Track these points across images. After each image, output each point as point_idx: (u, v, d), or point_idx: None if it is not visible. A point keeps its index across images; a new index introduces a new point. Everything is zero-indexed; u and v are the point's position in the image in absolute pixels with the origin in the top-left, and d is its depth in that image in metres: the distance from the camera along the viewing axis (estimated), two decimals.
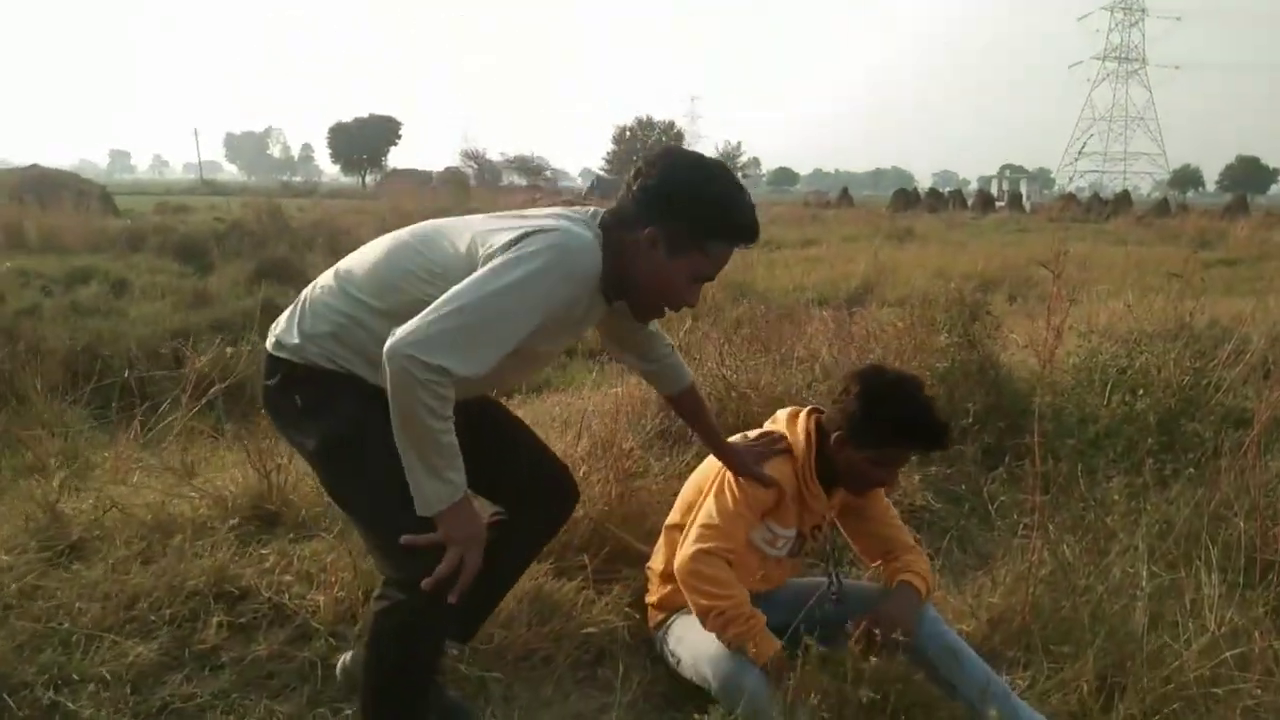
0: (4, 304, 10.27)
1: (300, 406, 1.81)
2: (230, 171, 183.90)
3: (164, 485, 2.89)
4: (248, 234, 17.07)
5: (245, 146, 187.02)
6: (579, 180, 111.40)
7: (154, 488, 2.88)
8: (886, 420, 2.25)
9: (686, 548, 2.27)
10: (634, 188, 1.85)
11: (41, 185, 22.94)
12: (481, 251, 1.76)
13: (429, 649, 1.83)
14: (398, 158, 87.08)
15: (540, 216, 1.85)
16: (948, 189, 59.84)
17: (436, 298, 1.66)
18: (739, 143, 74.76)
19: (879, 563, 2.53)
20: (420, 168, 55.43)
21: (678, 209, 1.81)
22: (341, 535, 2.57)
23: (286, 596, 2.38)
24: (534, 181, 55.98)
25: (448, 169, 54.57)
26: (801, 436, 2.40)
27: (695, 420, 2.43)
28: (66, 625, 2.18)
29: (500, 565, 2.05)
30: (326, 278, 1.93)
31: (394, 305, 1.76)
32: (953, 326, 4.52)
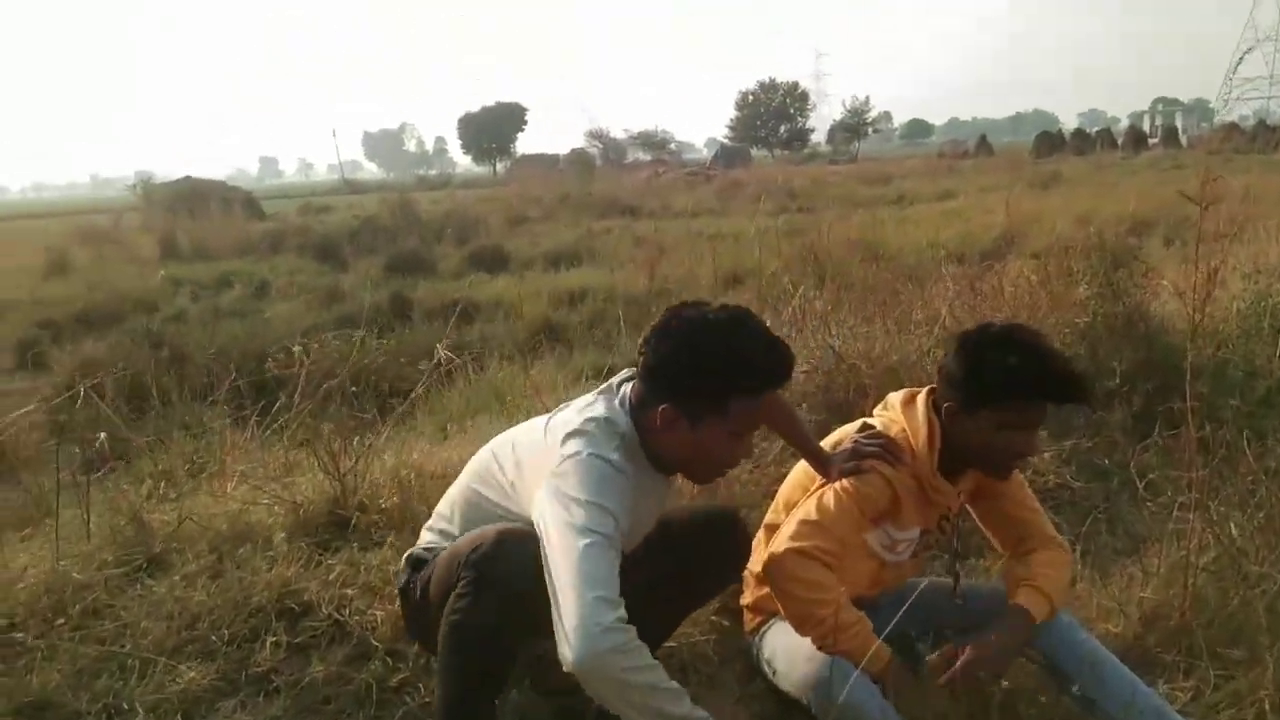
0: (156, 312, 10.93)
1: None
2: (370, 169, 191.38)
3: (241, 494, 2.84)
4: (380, 229, 17.61)
5: (382, 144, 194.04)
6: (704, 150, 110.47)
7: (234, 497, 2.84)
8: (998, 371, 1.93)
9: (777, 544, 2.00)
10: (639, 367, 1.85)
11: (193, 196, 24.40)
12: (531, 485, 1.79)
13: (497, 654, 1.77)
14: (526, 143, 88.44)
15: (572, 419, 1.84)
16: (1095, 129, 56.04)
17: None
18: (866, 97, 72.33)
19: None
20: (548, 151, 56.10)
21: (681, 382, 1.78)
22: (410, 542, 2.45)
23: (347, 612, 2.28)
24: (658, 156, 55.75)
25: (573, 150, 55.03)
26: (922, 424, 2.08)
27: (785, 426, 2.24)
28: (127, 648, 2.15)
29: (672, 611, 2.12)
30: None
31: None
32: (1093, 276, 4.05)
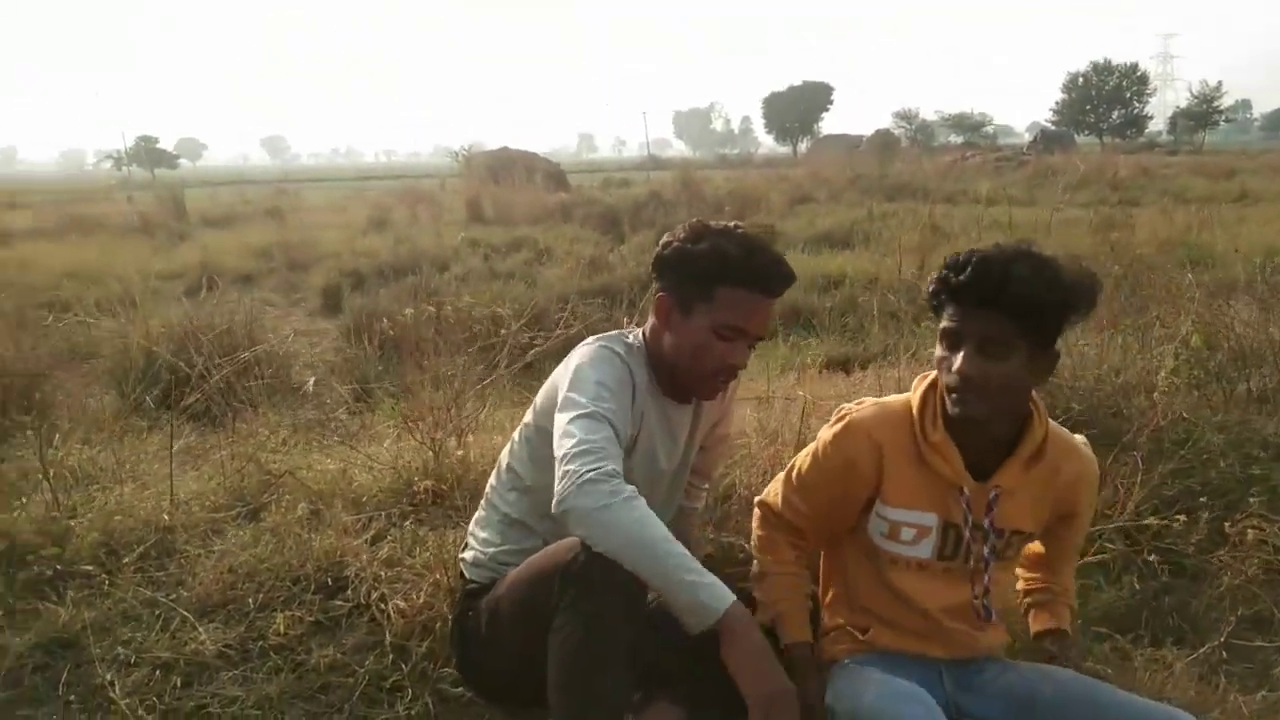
0: (446, 270, 11.76)
1: None
2: (678, 147, 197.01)
3: (342, 454, 2.82)
4: (663, 204, 17.90)
5: (691, 123, 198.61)
6: (1025, 135, 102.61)
7: (334, 455, 2.83)
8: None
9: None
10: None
11: (508, 165, 26.20)
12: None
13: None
14: (830, 124, 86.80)
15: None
16: None
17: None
18: (1219, 83, 63.20)
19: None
20: (851, 132, 54.70)
21: (676, 267, 1.87)
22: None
23: (374, 597, 2.16)
24: (970, 139, 52.48)
25: (877, 131, 53.14)
26: (919, 385, 1.77)
27: None
28: (171, 598, 2.17)
29: None
30: None
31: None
32: None
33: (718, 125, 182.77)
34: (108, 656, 2.00)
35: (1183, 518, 2.41)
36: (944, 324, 1.64)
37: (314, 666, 2.00)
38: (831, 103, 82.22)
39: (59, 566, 2.25)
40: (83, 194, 30.46)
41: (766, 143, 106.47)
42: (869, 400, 1.84)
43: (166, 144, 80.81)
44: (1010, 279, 1.54)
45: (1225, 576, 2.36)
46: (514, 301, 8.07)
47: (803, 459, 1.86)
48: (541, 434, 1.82)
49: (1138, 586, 2.37)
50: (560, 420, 1.71)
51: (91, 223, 18.07)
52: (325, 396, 4.17)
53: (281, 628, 2.07)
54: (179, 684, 1.95)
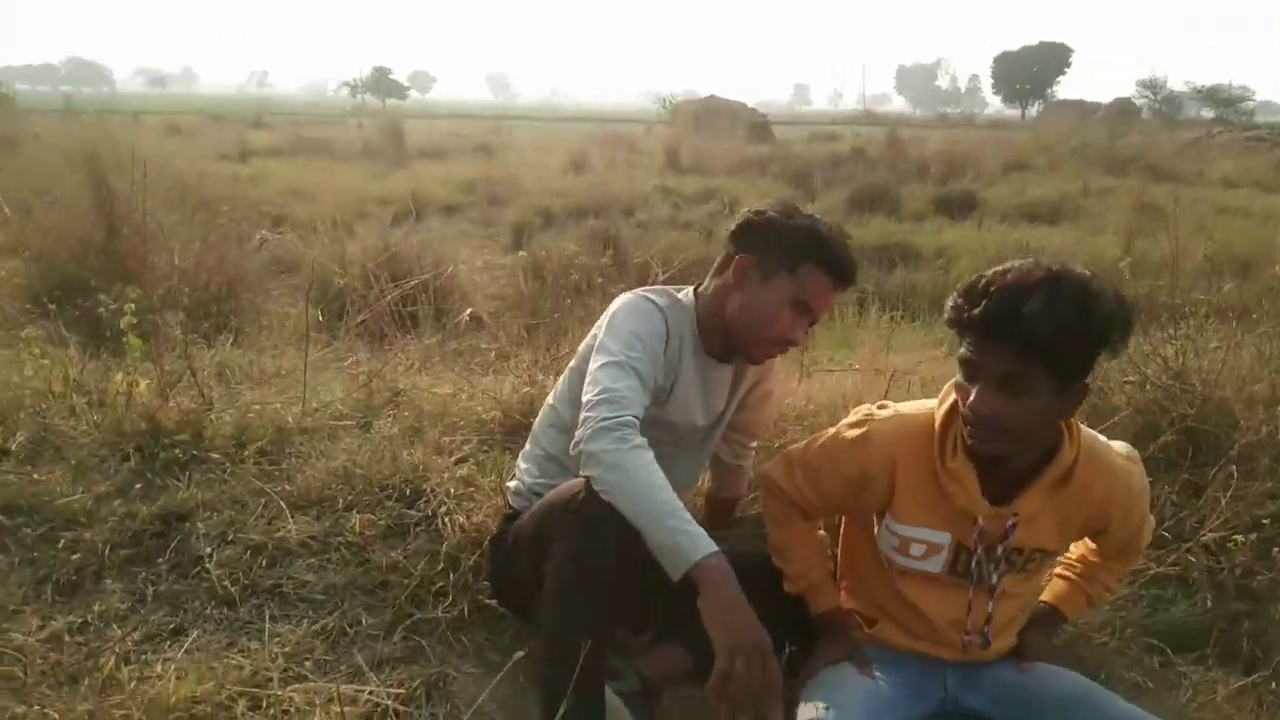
0: (632, 215, 11.95)
1: None
2: (899, 104, 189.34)
3: (455, 380, 3.00)
4: (864, 161, 17.37)
5: (915, 79, 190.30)
6: None
7: (449, 381, 3.01)
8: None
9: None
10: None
11: (713, 114, 26.14)
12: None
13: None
14: (1066, 88, 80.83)
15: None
16: None
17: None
18: None
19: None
20: (1088, 99, 50.70)
21: (766, 235, 1.90)
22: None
23: (441, 509, 2.27)
24: (1222, 115, 47.42)
25: (1116, 100, 48.96)
26: (945, 396, 1.64)
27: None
28: (275, 490, 2.37)
29: None
30: None
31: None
32: None
33: (943, 83, 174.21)
34: (212, 533, 2.24)
35: (1252, 536, 2.21)
36: (961, 352, 1.52)
37: (377, 564, 2.17)
38: (1069, 65, 76.35)
39: (195, 452, 2.52)
40: (319, 118, 32.95)
41: (994, 104, 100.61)
42: (892, 407, 1.74)
43: (400, 75, 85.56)
44: (1021, 314, 1.40)
45: None
46: (682, 251, 8.16)
47: (815, 449, 1.78)
48: (579, 375, 1.88)
49: (1210, 605, 2.19)
50: (592, 365, 1.79)
51: (320, 146, 19.56)
52: (486, 328, 4.38)
53: (357, 527, 2.24)
54: (264, 564, 2.17)
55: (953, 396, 1.61)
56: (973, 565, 1.64)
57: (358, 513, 2.26)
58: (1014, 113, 76.25)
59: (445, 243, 7.61)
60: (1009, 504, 1.59)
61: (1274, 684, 1.96)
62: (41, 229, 5.34)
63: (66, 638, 1.92)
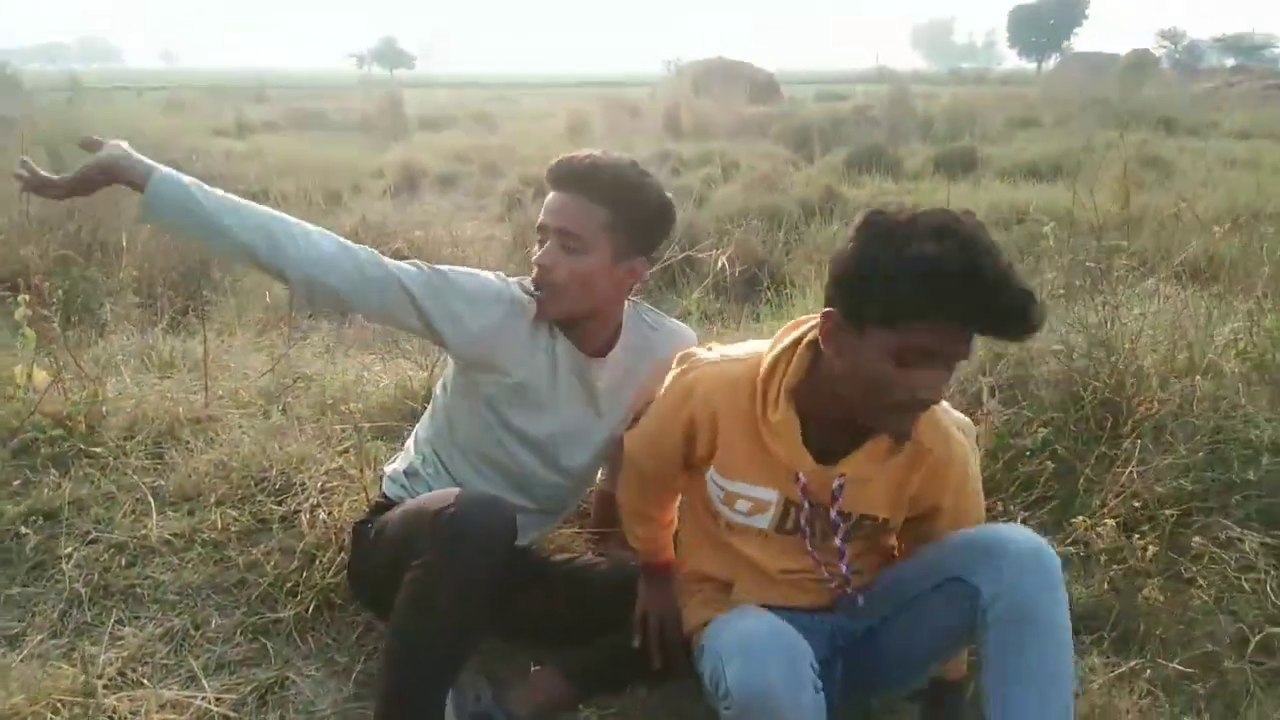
0: None
1: None
2: (914, 61, 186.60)
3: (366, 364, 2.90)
4: (866, 120, 17.05)
5: (930, 35, 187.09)
6: None
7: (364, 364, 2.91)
8: (903, 274, 1.27)
9: None
10: None
11: (719, 75, 25.68)
12: None
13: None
14: (1083, 41, 79.11)
15: None
16: None
17: None
18: None
19: None
20: (1106, 50, 49.54)
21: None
22: None
23: (308, 504, 2.18)
24: (1243, 63, 46.26)
25: (1134, 51, 47.86)
26: (778, 341, 1.53)
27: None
28: (149, 484, 2.28)
29: None
30: None
31: None
32: None
33: (959, 38, 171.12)
34: (75, 531, 2.16)
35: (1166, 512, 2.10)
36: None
37: (236, 562, 2.08)
38: (1086, 17, 74.68)
39: (82, 446, 2.45)
40: (321, 90, 32.69)
41: (1010, 59, 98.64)
42: (718, 350, 1.63)
43: (407, 45, 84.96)
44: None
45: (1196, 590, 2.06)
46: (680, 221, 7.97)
47: (653, 407, 1.69)
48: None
49: (1106, 587, 2.07)
50: None
51: (318, 119, 19.39)
52: None
53: (219, 524, 2.16)
54: (124, 564, 2.08)
55: (785, 340, 1.50)
56: (802, 523, 1.56)
57: (225, 508, 2.18)
58: (1031, 66, 74.85)
59: (437, 215, 7.53)
60: (837, 463, 1.49)
61: (1148, 671, 1.84)
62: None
63: None
